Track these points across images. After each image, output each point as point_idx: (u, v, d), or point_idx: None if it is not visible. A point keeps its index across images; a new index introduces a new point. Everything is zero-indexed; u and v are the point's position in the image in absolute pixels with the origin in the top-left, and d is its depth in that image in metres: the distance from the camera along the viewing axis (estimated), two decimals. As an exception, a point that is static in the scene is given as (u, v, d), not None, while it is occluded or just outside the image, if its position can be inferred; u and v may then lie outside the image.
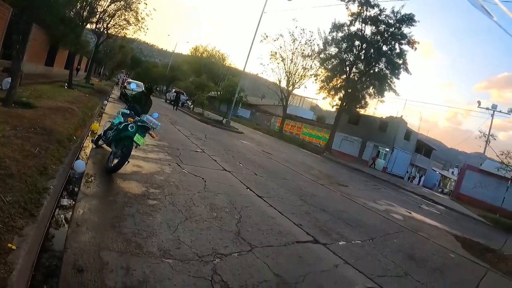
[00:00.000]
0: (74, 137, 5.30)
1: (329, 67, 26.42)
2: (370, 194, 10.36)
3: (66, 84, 14.99)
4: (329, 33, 26.16)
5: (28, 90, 8.98)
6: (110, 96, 18.67)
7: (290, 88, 29.17)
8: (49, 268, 2.27)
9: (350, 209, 6.87)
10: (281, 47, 28.46)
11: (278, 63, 28.93)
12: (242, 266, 2.96)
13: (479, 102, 24.99)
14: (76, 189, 3.82)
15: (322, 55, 26.78)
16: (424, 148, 33.72)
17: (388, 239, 5.36)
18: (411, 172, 31.87)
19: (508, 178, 15.95)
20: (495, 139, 16.69)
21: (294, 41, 27.83)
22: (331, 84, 26.55)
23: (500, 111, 23.93)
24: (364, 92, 25.85)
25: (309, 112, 44.45)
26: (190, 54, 57.49)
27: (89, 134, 6.90)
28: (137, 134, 4.50)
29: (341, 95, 26.07)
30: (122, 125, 4.77)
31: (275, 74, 30.49)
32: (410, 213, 8.88)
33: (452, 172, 44.48)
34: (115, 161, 4.50)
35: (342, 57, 25.85)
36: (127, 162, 4.49)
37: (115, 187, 4.13)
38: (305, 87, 31.04)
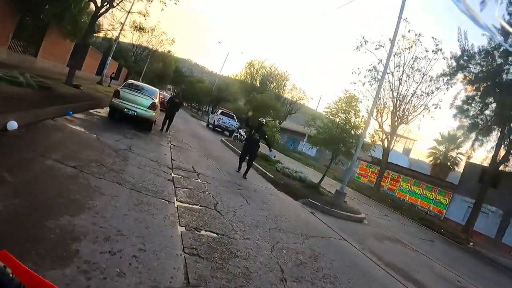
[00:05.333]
0: None
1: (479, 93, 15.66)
2: None
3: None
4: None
5: None
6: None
7: (396, 123, 19.57)
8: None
9: None
10: (381, 60, 18.34)
11: (372, 84, 18.96)
12: None
13: None
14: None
15: (463, 73, 16.54)
16: None
17: None
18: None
19: None
20: None
21: (410, 48, 18.45)
22: (480, 118, 15.86)
23: None
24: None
25: (403, 156, 30.92)
26: (244, 71, 43.77)
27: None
28: None
29: (497, 138, 15.67)
30: None
31: (366, 100, 18.83)
32: None
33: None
34: None
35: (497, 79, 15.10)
36: None
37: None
38: (418, 125, 20.90)
